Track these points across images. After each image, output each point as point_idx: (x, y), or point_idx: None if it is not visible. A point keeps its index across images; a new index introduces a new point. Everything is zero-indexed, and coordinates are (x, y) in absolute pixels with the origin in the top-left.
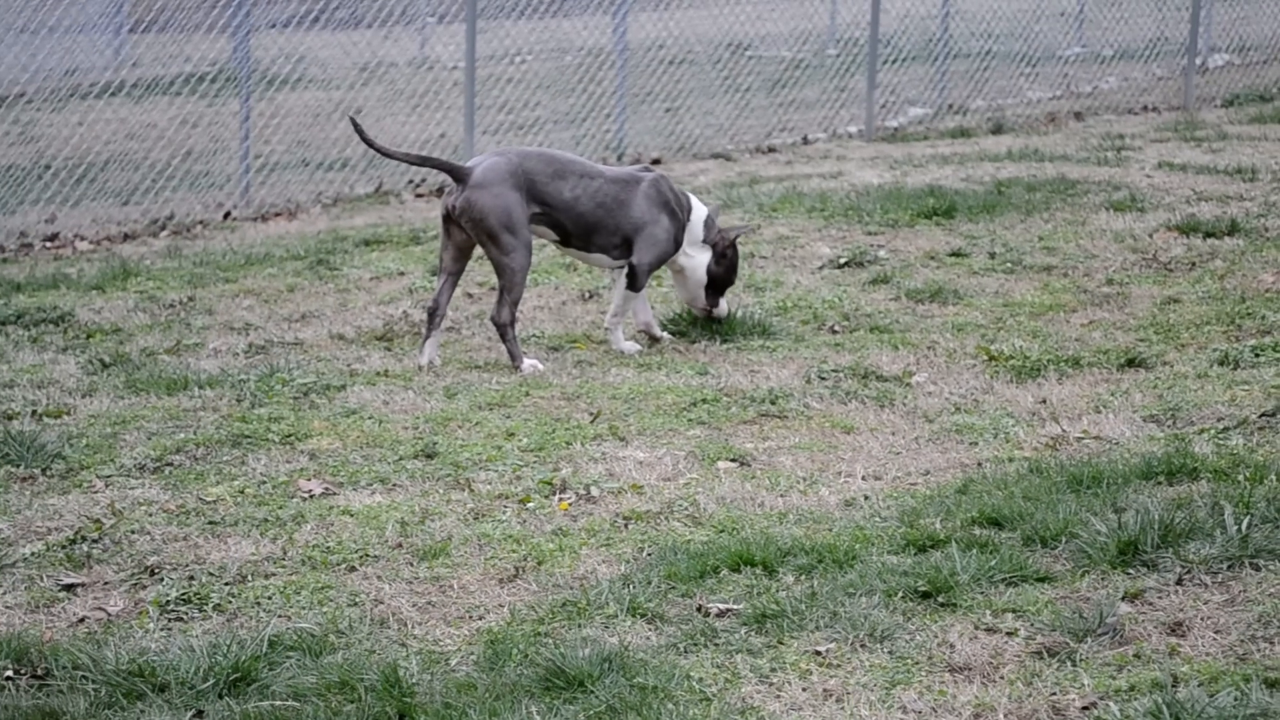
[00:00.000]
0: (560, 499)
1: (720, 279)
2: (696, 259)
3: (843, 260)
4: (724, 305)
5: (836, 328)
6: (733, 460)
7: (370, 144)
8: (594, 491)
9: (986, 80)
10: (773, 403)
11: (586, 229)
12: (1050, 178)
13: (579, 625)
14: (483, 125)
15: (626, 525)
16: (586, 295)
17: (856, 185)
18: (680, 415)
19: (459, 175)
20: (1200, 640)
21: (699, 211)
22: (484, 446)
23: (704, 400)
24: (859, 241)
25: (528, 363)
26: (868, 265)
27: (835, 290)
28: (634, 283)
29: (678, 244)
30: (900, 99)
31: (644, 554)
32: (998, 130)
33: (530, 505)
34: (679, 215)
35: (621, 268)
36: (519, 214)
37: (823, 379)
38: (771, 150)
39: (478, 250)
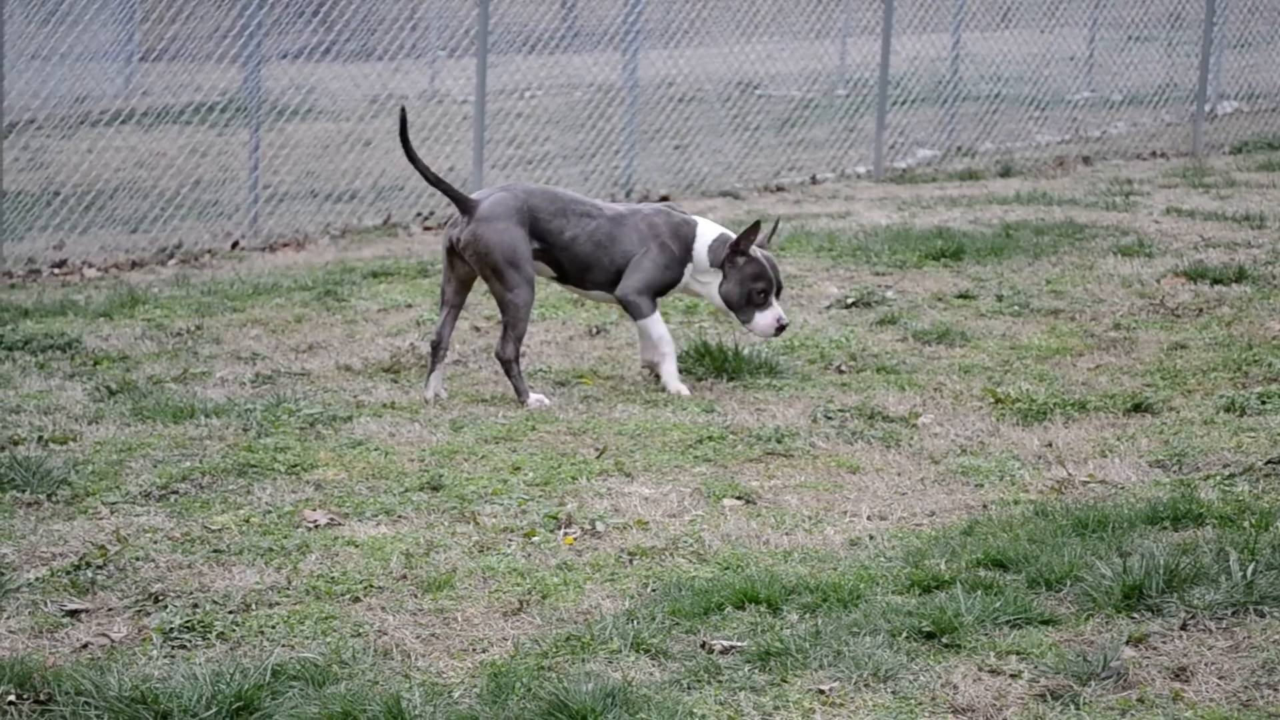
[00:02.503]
0: (565, 533)
1: (735, 296)
2: (709, 285)
3: (850, 300)
4: (768, 317)
5: (843, 367)
6: (738, 498)
7: (406, 141)
8: (599, 526)
9: (995, 123)
10: (779, 441)
11: (581, 267)
12: (1058, 221)
13: (583, 660)
14: (491, 159)
15: (631, 561)
16: (594, 331)
17: (864, 225)
18: (686, 452)
19: (465, 207)
20: (1204, 686)
21: (704, 237)
22: (489, 480)
23: (710, 438)
24: (866, 282)
25: (534, 397)
26: (875, 306)
27: (842, 330)
28: (632, 312)
29: (672, 272)
30: (909, 140)
31: (648, 589)
32: (1006, 173)
33: (535, 539)
34: (671, 245)
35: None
36: (523, 250)
37: (829, 418)
38: (780, 189)
39: (480, 283)
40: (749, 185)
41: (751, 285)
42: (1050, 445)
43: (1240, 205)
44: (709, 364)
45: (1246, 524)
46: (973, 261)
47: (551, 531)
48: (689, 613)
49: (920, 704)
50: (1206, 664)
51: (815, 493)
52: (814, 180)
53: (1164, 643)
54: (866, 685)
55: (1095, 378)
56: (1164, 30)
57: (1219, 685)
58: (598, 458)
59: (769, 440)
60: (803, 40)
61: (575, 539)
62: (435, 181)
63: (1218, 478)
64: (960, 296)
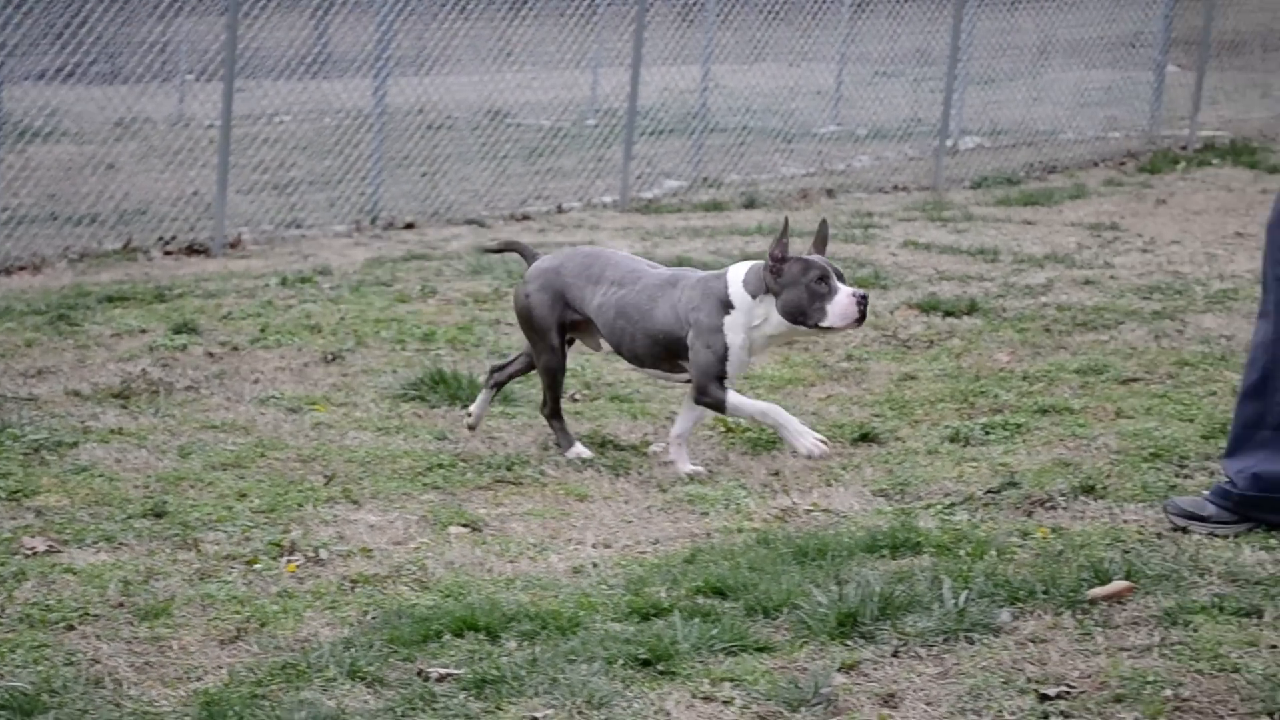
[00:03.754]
0: (288, 561)
1: (795, 303)
2: (771, 315)
3: None
4: (841, 299)
5: (577, 396)
6: (464, 525)
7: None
8: (323, 554)
9: (742, 155)
10: (509, 469)
11: (613, 340)
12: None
13: (297, 688)
14: (236, 184)
15: (353, 588)
16: (329, 358)
17: None
18: (415, 480)
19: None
20: (911, 712)
21: (735, 277)
22: (214, 507)
23: (440, 465)
24: None
25: (574, 449)
26: None
27: (577, 359)
28: (714, 409)
29: (721, 338)
30: (657, 171)
31: (369, 617)
32: (750, 204)
33: (257, 567)
34: (710, 310)
35: (686, 382)
36: (541, 315)
37: (561, 447)
38: (526, 218)
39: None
40: (495, 214)
41: (805, 281)
42: (777, 474)
43: (976, 239)
44: (443, 391)
45: (962, 552)
46: None
47: (274, 559)
48: (408, 640)
49: None
50: (915, 690)
51: (542, 520)
52: (560, 209)
53: (875, 669)
54: (580, 712)
55: (825, 407)
56: (911, 66)
57: (926, 711)
58: (325, 485)
59: (499, 468)
60: (555, 69)
61: (298, 566)
62: (507, 246)
63: (938, 507)
64: None
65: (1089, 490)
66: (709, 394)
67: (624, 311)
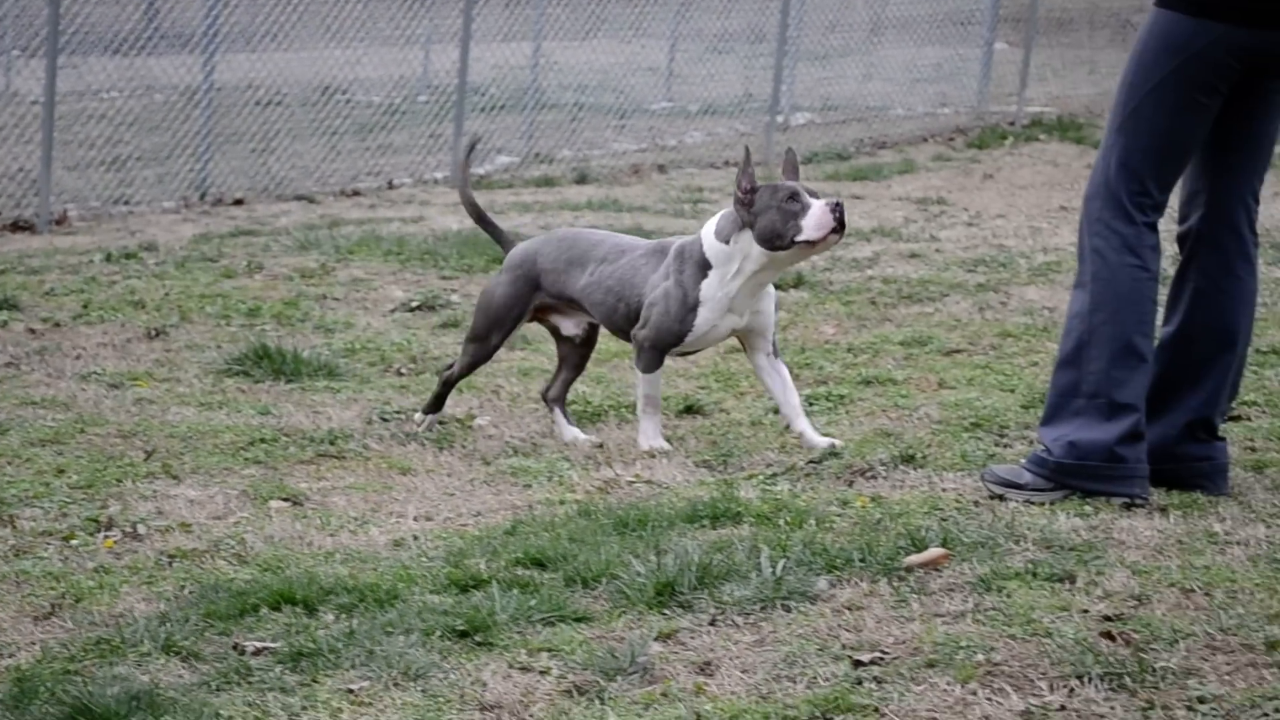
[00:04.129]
0: (106, 536)
1: (769, 228)
2: (751, 252)
3: (415, 304)
4: (814, 211)
5: (403, 370)
6: (285, 500)
7: (464, 182)
8: (141, 529)
9: (575, 131)
10: (332, 443)
11: (607, 316)
12: (626, 227)
13: (111, 663)
14: (64, 161)
15: (171, 563)
16: (153, 333)
17: (436, 230)
18: (237, 454)
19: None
20: (727, 679)
21: (708, 230)
22: (31, 483)
23: (262, 440)
24: (433, 285)
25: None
26: (439, 309)
27: (405, 333)
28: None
29: (684, 290)
30: (490, 147)
31: (186, 592)
32: (582, 180)
33: (74, 543)
34: (685, 273)
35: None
36: (503, 305)
37: (385, 420)
38: (356, 194)
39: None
40: (326, 190)
41: (776, 203)
42: (601, 446)
43: None
44: (267, 367)
45: (782, 522)
46: None
47: (91, 535)
48: (224, 615)
49: (449, 701)
50: (731, 658)
51: (364, 494)
52: (391, 185)
53: (692, 638)
54: (396, 684)
55: None
56: (743, 43)
57: (741, 678)
58: (145, 460)
59: (322, 442)
60: (388, 46)
61: (116, 542)
62: (484, 224)
63: (760, 477)
64: None
65: (909, 460)
66: (645, 355)
67: (615, 287)
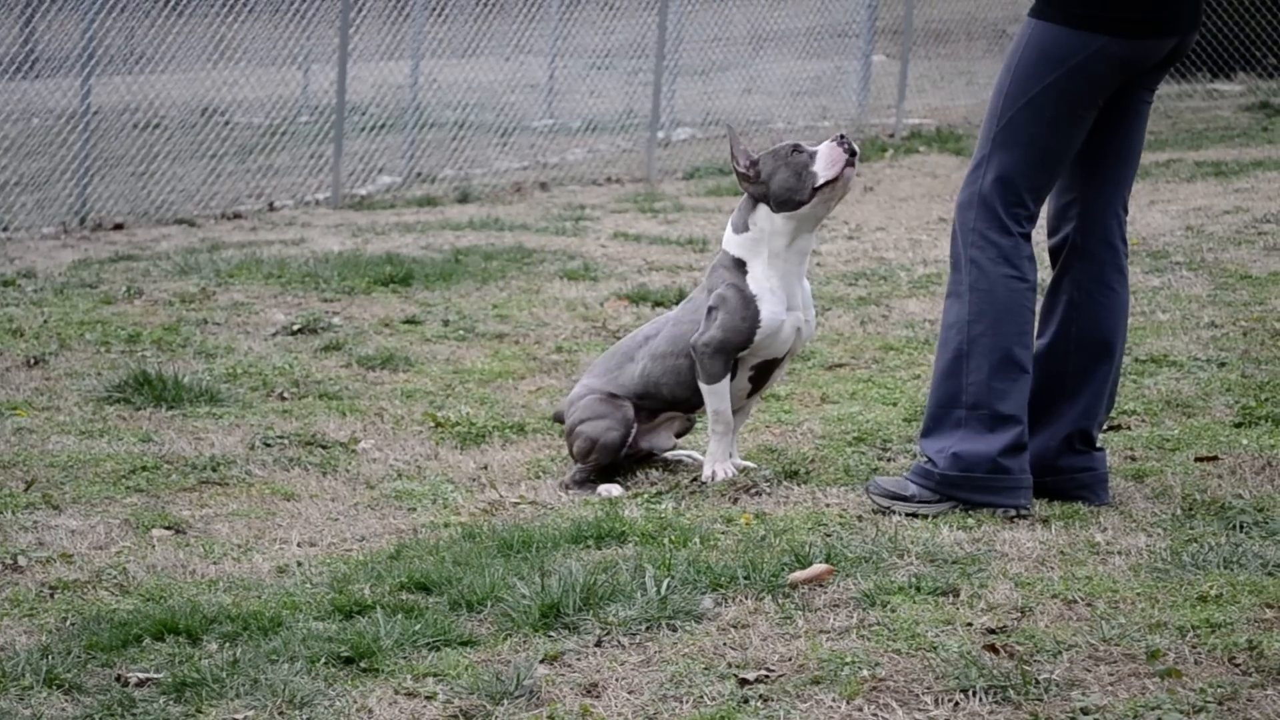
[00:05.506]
0: None
1: (782, 187)
2: (776, 226)
3: (296, 327)
4: (824, 153)
5: (286, 394)
6: (168, 528)
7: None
8: (21, 561)
9: (457, 150)
10: (214, 470)
11: (676, 386)
12: (509, 246)
13: None
14: None
15: (52, 595)
16: (32, 362)
17: (317, 252)
18: (118, 483)
19: None
20: (614, 701)
21: (728, 234)
22: None
23: (144, 468)
24: (314, 308)
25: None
26: (321, 332)
27: (287, 357)
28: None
29: (738, 288)
30: (371, 167)
31: (67, 623)
32: (464, 199)
33: None
34: (727, 283)
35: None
36: (614, 442)
37: (268, 445)
38: (237, 216)
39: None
40: (207, 213)
41: (782, 162)
42: (486, 468)
43: (685, 229)
44: (148, 393)
45: (666, 541)
46: (421, 287)
47: None
48: (107, 646)
49: None
50: (617, 679)
51: (247, 521)
52: (272, 207)
53: (578, 659)
54: (281, 713)
55: (535, 400)
56: (624, 59)
57: (628, 699)
58: (25, 490)
59: (204, 469)
60: (267, 66)
61: None
62: None
63: (644, 496)
64: (407, 322)
65: (793, 475)
66: (710, 361)
67: (669, 350)
